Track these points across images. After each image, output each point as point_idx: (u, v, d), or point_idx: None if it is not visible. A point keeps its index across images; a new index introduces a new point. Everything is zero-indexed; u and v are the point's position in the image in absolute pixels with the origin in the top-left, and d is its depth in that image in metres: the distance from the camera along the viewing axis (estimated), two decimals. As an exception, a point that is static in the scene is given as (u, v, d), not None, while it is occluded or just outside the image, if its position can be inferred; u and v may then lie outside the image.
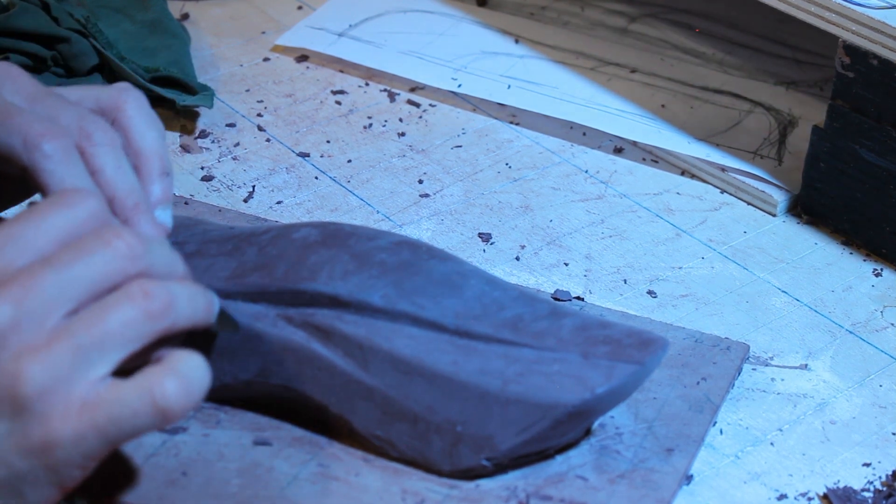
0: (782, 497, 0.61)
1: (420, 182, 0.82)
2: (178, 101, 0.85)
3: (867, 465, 0.63)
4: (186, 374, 0.50)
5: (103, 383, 0.49)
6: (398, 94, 0.91)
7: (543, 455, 0.60)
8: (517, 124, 0.88)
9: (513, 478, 0.60)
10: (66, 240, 0.51)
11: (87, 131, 0.57)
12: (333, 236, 0.63)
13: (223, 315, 0.59)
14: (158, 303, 0.50)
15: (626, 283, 0.74)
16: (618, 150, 0.86)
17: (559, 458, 0.61)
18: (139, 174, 0.60)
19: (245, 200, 0.80)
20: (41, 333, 0.48)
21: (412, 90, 0.91)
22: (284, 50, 0.95)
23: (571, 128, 0.88)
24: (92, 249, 0.50)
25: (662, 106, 0.89)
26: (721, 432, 0.65)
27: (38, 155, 0.55)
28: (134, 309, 0.50)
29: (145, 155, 0.60)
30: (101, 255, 0.50)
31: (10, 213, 0.65)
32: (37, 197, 0.62)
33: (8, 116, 0.56)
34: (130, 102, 0.60)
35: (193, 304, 0.52)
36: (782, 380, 0.68)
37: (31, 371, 0.48)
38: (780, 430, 0.65)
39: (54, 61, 0.84)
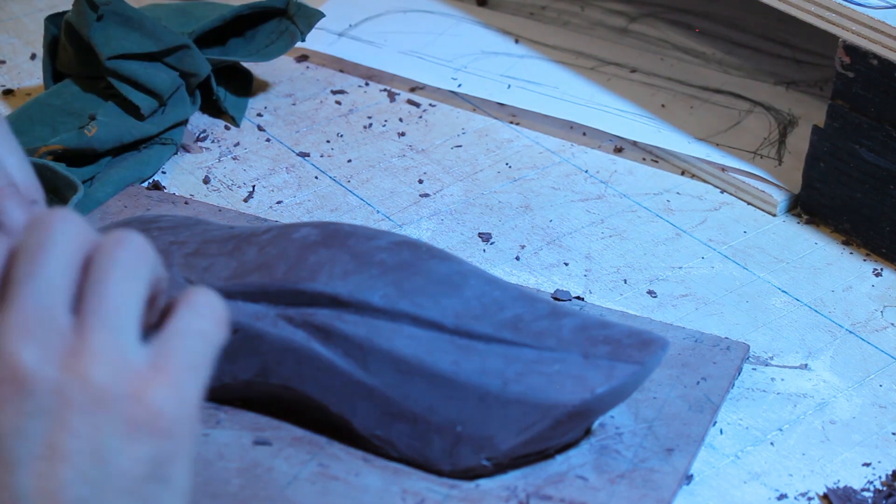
0: (782, 497, 0.61)
1: (420, 182, 0.82)
2: (221, 101, 0.86)
3: (867, 464, 0.63)
4: (200, 288, 0.51)
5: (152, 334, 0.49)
6: (398, 94, 0.91)
7: (543, 455, 0.60)
8: (517, 124, 0.88)
9: (513, 478, 0.60)
10: None
11: None
12: (333, 236, 0.63)
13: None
14: (133, 245, 0.49)
15: (626, 282, 0.74)
16: (618, 150, 0.86)
17: (559, 458, 0.61)
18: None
19: (245, 200, 0.80)
20: (65, 337, 0.47)
21: (412, 90, 0.91)
22: (284, 50, 0.95)
23: (571, 128, 0.88)
24: (41, 242, 0.49)
25: (662, 106, 0.89)
26: (721, 432, 0.65)
27: None
28: (121, 261, 0.49)
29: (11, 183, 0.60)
30: (53, 239, 0.49)
31: None
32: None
33: None
34: None
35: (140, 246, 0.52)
36: (782, 380, 0.68)
37: (90, 370, 0.47)
38: (780, 430, 0.65)
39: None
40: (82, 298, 0.48)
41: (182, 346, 0.49)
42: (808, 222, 0.80)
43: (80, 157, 0.78)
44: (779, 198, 0.81)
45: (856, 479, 0.62)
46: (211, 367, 0.50)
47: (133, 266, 0.49)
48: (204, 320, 0.49)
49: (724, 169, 0.83)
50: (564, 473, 0.60)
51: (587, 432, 0.62)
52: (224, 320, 0.50)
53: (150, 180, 0.81)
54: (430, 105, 0.90)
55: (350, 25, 0.96)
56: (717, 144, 0.85)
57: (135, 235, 0.50)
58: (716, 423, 0.65)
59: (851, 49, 0.73)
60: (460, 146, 0.86)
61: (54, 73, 0.85)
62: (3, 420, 0.46)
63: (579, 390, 0.58)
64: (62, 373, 0.46)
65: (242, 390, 0.62)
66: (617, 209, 0.81)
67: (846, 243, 0.78)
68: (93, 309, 0.48)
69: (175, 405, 0.48)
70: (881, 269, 0.76)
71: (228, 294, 0.62)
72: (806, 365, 0.69)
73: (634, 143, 0.86)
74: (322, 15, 0.87)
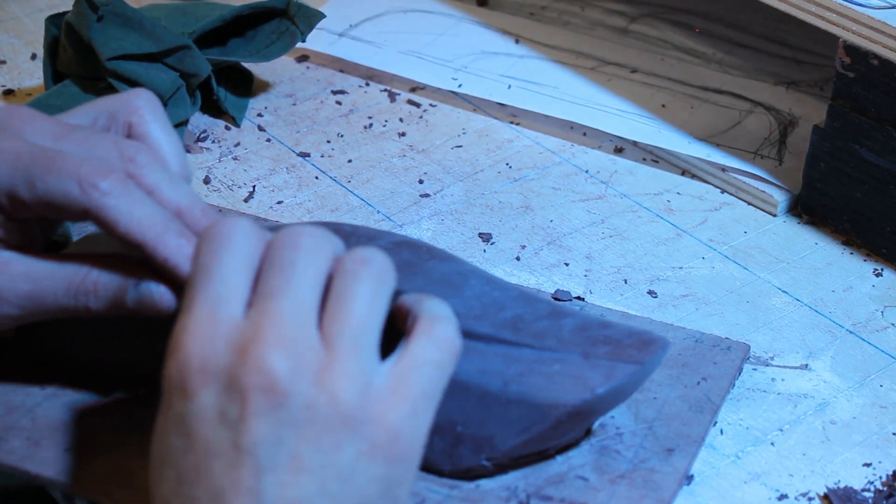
0: (783, 497, 0.61)
1: (420, 182, 0.82)
2: (221, 101, 0.86)
3: (867, 465, 0.63)
4: (439, 313, 0.52)
5: (392, 358, 0.51)
6: (398, 94, 0.91)
7: (544, 455, 0.60)
8: (517, 124, 0.88)
9: (513, 478, 0.60)
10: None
11: (129, 154, 0.57)
12: (334, 236, 0.63)
13: None
14: (378, 265, 0.51)
15: (626, 283, 0.75)
16: (618, 150, 0.86)
17: (559, 459, 0.61)
18: None
19: (245, 200, 0.80)
20: (317, 355, 0.49)
21: (412, 90, 0.91)
22: (284, 50, 0.95)
23: (571, 128, 0.88)
24: (294, 258, 0.50)
25: (662, 106, 0.89)
26: (721, 432, 0.65)
27: (98, 194, 0.54)
28: (366, 281, 0.50)
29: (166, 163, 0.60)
30: (305, 255, 0.51)
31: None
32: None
33: (52, 162, 0.55)
34: (146, 107, 0.60)
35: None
36: (782, 380, 0.68)
37: (339, 389, 0.48)
38: (781, 430, 0.65)
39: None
40: (329, 316, 0.50)
41: (420, 375, 0.50)
42: (808, 222, 0.80)
43: None
44: (779, 198, 0.81)
45: (856, 480, 0.62)
46: (441, 396, 0.51)
47: (377, 286, 0.51)
48: (441, 352, 0.51)
49: (724, 169, 0.83)
50: (565, 474, 0.60)
51: (587, 433, 0.62)
52: (457, 352, 0.52)
53: (151, 180, 0.81)
54: (431, 105, 0.90)
55: (350, 25, 0.96)
56: (718, 144, 0.85)
57: (378, 254, 0.51)
58: (716, 423, 0.65)
59: (852, 49, 0.73)
60: (460, 146, 0.86)
61: (54, 73, 0.85)
62: (255, 427, 0.47)
63: (579, 390, 0.58)
64: (313, 389, 0.48)
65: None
66: (617, 209, 0.81)
67: (846, 243, 0.78)
68: (341, 329, 0.49)
69: (411, 431, 0.50)
70: (881, 270, 0.76)
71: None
72: (806, 365, 0.69)
73: (635, 143, 0.86)
74: (322, 15, 0.87)
